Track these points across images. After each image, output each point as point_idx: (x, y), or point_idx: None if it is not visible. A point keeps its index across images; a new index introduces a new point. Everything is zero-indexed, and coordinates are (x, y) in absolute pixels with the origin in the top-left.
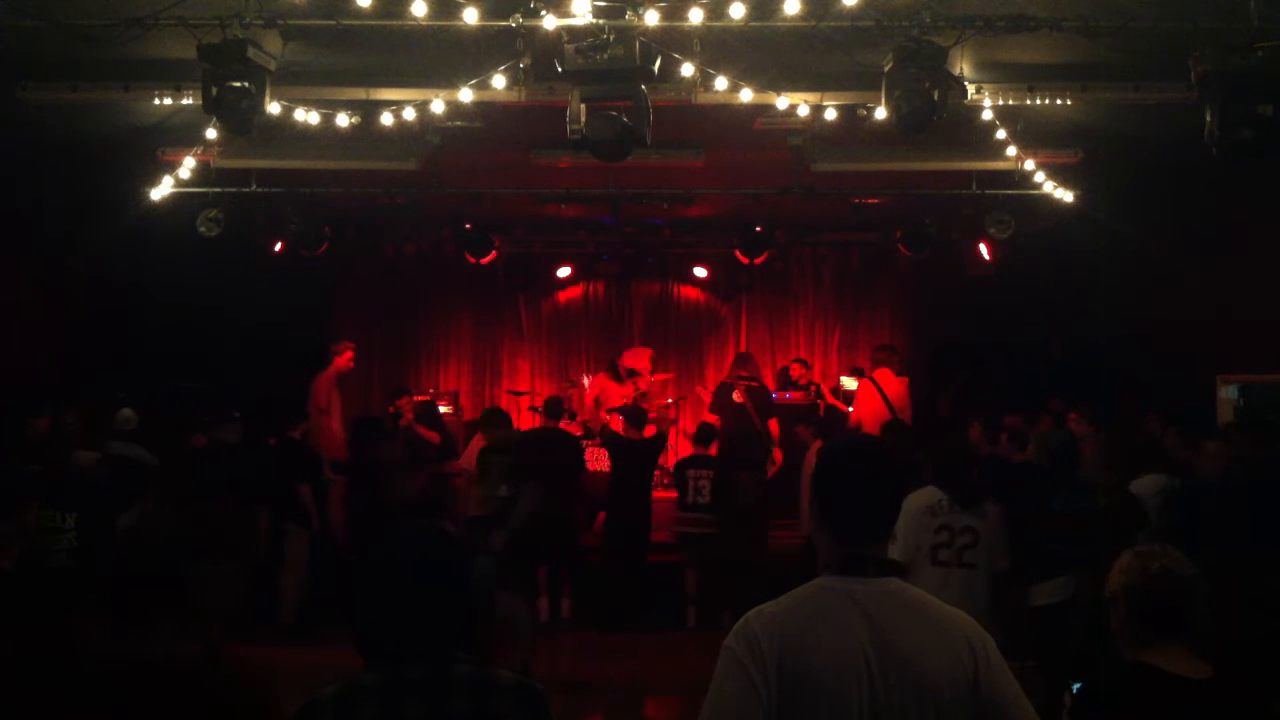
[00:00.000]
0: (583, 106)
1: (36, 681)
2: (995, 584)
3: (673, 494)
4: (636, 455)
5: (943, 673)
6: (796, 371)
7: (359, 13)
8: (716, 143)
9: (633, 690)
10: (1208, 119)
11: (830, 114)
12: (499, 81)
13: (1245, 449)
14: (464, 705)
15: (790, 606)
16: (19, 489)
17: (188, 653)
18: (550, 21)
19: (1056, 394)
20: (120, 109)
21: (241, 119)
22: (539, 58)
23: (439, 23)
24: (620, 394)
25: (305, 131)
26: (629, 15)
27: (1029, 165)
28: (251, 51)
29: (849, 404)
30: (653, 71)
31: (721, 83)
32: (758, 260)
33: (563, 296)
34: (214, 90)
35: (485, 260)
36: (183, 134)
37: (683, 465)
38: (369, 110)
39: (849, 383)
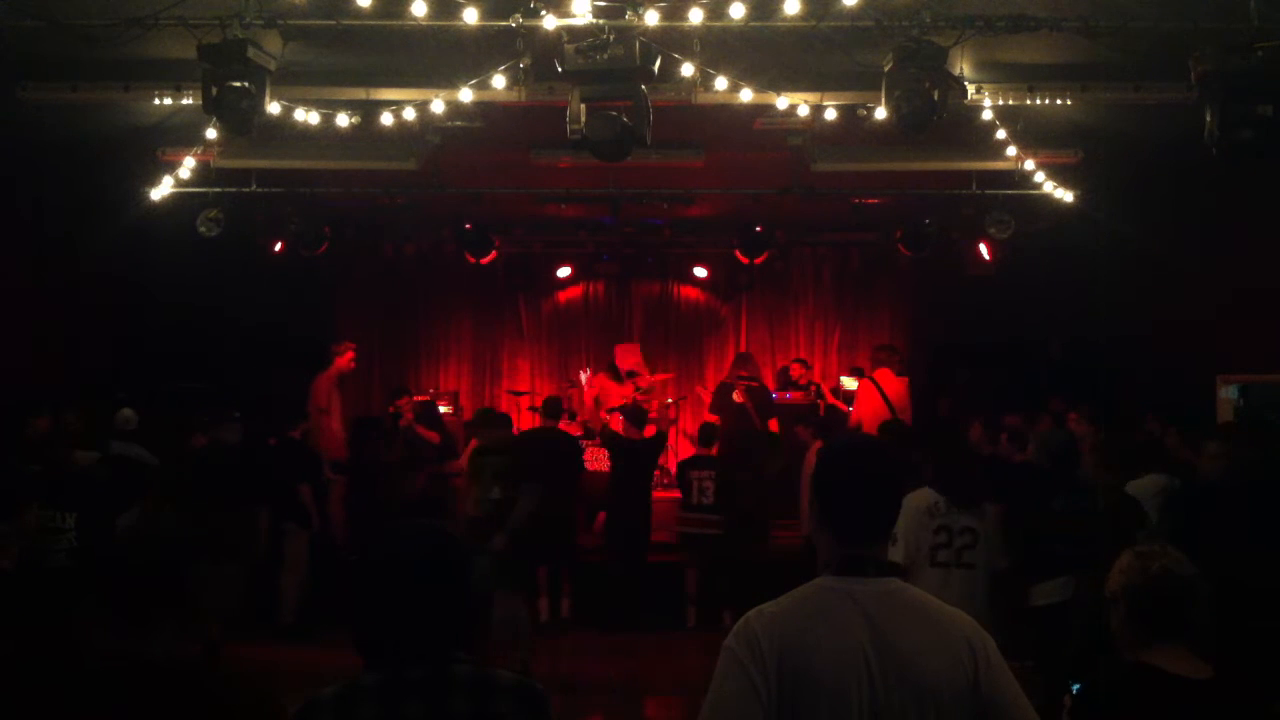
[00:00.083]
0: (583, 106)
1: (36, 681)
2: (995, 584)
3: (674, 494)
4: (636, 455)
5: (943, 673)
6: (796, 371)
7: (359, 13)
8: (716, 143)
9: (633, 690)
10: (1208, 119)
11: (830, 114)
12: (499, 81)
13: (1245, 449)
14: (464, 705)
15: (790, 606)
16: (19, 489)
17: (188, 653)
18: (550, 21)
19: (1056, 394)
20: (120, 109)
21: (241, 119)
22: (539, 58)
23: (439, 23)
24: (620, 394)
25: (305, 131)
26: (629, 15)
27: (1029, 165)
28: (251, 51)
29: (849, 404)
30: (653, 71)
31: (721, 83)
32: (758, 260)
33: (563, 296)
34: (214, 90)
35: (485, 260)
36: (183, 134)
37: (685, 466)
38: (369, 110)
39: (849, 383)
